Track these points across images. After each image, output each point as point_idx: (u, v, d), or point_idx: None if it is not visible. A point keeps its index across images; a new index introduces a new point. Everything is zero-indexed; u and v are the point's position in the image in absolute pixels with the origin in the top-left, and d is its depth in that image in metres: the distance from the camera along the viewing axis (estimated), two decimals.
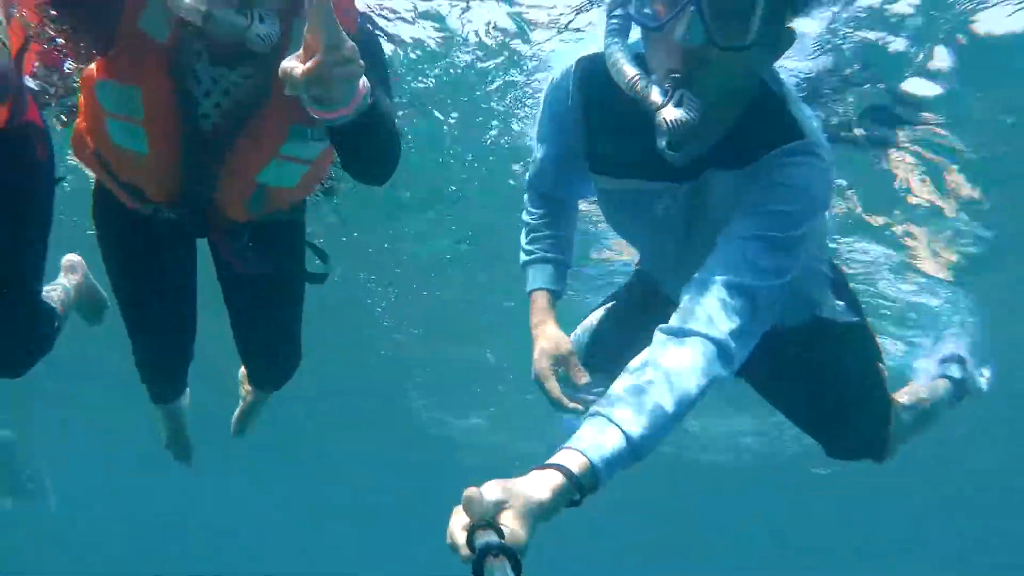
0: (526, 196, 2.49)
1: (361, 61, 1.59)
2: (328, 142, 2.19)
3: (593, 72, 2.03)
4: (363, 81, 1.66)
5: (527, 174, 2.48)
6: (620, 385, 1.57)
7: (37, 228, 2.54)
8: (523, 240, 2.46)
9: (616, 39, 1.84)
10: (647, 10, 1.76)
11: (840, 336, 2.46)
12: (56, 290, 3.10)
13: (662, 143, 1.86)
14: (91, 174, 2.56)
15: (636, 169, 2.04)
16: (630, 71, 1.77)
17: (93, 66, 2.12)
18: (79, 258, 3.48)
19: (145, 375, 3.04)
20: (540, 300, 2.36)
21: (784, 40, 1.78)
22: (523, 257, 2.44)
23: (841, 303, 2.46)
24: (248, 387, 3.38)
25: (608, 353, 2.36)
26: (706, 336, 1.63)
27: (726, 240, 1.77)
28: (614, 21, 1.85)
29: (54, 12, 2.13)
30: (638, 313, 2.46)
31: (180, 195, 2.29)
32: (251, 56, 1.99)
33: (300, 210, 2.67)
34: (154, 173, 2.24)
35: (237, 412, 3.47)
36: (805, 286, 2.32)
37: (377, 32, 2.71)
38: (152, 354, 2.97)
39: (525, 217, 2.47)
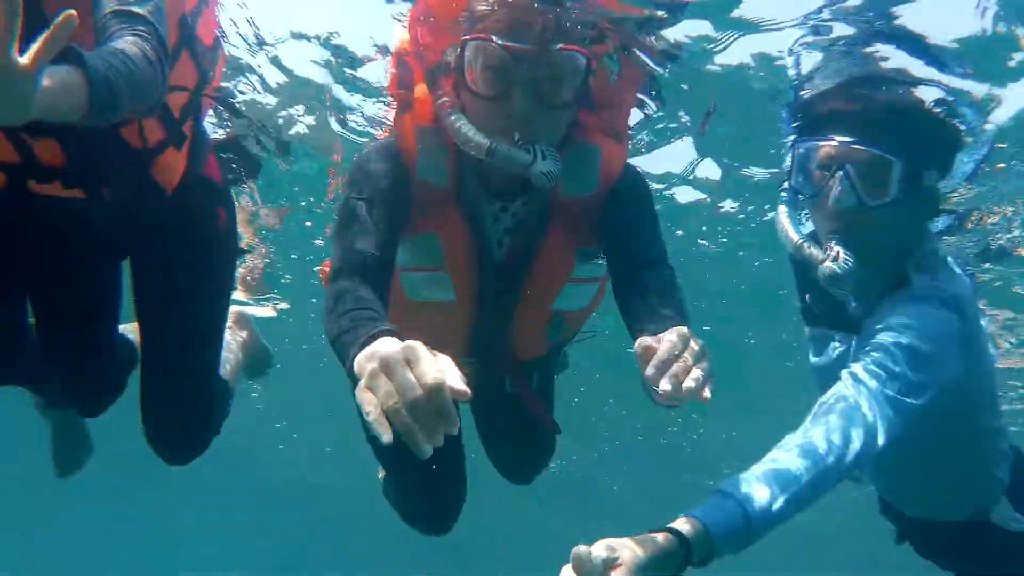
0: None
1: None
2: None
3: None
4: None
5: None
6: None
7: (212, 311, 2.31)
8: None
9: (785, 209, 2.16)
10: (807, 181, 2.06)
11: (1015, 549, 2.38)
12: (228, 361, 2.79)
13: (839, 295, 2.12)
14: None
15: (824, 320, 2.29)
16: (794, 236, 2.10)
17: None
18: (246, 311, 3.17)
19: (419, 523, 2.82)
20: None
21: (928, 199, 2.02)
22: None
23: (1020, 515, 2.37)
24: None
25: None
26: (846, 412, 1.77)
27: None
28: (783, 194, 2.18)
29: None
30: None
31: (477, 343, 2.23)
32: (526, 189, 2.01)
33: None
34: (459, 322, 2.18)
35: None
36: (961, 480, 2.34)
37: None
38: (428, 508, 2.78)
39: None
